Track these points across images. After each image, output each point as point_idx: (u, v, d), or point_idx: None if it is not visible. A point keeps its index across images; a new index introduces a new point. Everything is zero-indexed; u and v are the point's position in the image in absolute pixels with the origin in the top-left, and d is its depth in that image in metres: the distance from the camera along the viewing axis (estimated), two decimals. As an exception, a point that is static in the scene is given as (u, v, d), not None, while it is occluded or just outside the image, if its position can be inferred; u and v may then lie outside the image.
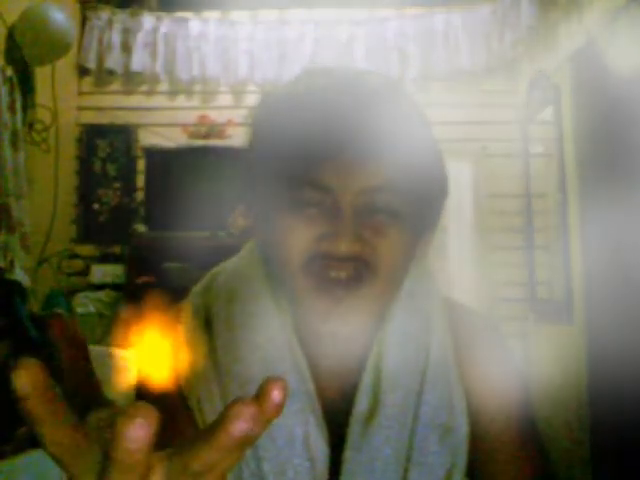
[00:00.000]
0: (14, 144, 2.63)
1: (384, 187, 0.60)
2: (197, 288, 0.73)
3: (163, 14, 3.48)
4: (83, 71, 3.49)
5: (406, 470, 0.64)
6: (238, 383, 0.65)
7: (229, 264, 0.74)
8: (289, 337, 0.66)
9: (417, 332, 0.69)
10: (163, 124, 3.45)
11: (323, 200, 0.60)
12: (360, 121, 0.59)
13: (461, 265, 3.33)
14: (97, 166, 3.45)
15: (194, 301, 0.71)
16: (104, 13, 3.45)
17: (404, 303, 0.69)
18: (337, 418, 0.66)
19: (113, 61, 3.43)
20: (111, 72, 3.47)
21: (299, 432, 0.63)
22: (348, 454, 0.64)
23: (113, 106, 3.49)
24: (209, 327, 0.68)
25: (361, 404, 0.66)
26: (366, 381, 0.66)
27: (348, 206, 0.59)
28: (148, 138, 3.41)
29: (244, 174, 0.67)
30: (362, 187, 0.59)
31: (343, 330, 0.61)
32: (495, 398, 0.69)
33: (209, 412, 0.65)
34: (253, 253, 0.72)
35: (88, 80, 3.53)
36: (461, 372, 0.69)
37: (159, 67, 3.45)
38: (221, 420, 0.29)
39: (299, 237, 0.60)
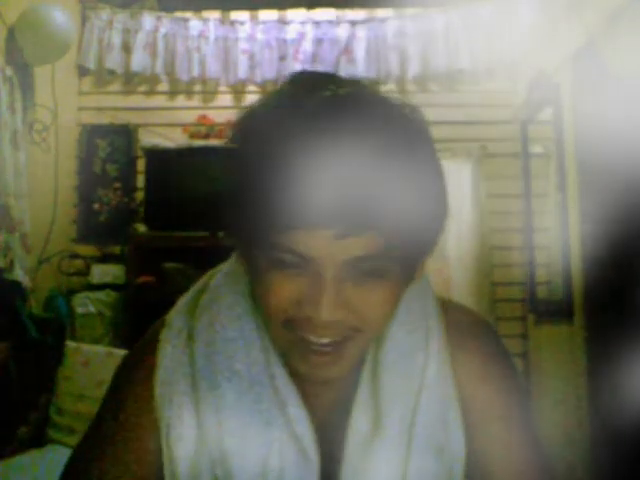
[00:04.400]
0: (14, 144, 2.63)
1: (374, 256, 0.54)
2: (180, 306, 0.71)
3: (163, 14, 3.48)
4: (83, 71, 3.49)
5: None
6: (214, 410, 0.63)
7: (214, 280, 0.71)
8: (270, 362, 0.64)
9: (413, 350, 0.66)
10: (163, 124, 3.45)
11: (303, 264, 0.54)
12: (349, 181, 0.50)
13: (461, 265, 3.33)
14: (97, 166, 3.45)
15: (176, 323, 0.69)
16: (104, 13, 3.44)
17: (400, 320, 0.67)
18: (329, 438, 0.65)
19: (113, 61, 3.43)
20: (111, 72, 3.47)
21: (274, 463, 0.62)
22: (345, 475, 0.63)
23: (113, 106, 3.48)
24: (190, 350, 0.67)
25: (359, 425, 0.64)
26: (361, 401, 0.65)
27: (330, 275, 0.53)
28: (148, 138, 3.40)
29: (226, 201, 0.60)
30: (347, 258, 0.53)
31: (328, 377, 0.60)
32: (492, 402, 0.68)
33: (176, 437, 0.64)
34: (237, 272, 0.69)
35: (88, 80, 3.52)
36: (457, 378, 0.68)
37: (159, 67, 3.45)
38: None
39: (278, 296, 0.56)
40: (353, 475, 0.63)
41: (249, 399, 0.63)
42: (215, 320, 0.67)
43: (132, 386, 0.68)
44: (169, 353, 0.67)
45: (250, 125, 0.57)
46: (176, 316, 0.70)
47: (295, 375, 0.65)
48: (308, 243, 0.52)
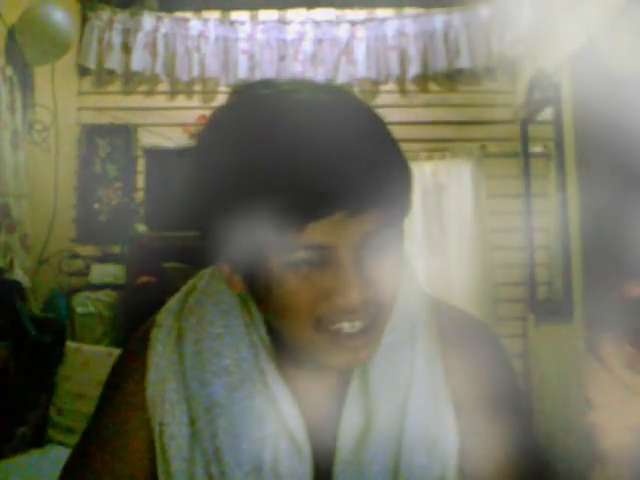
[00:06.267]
0: (14, 144, 2.63)
1: (380, 229, 0.56)
2: (170, 306, 0.72)
3: (163, 14, 3.48)
4: (83, 71, 3.49)
5: None
6: (204, 407, 0.64)
7: (202, 281, 0.72)
8: (259, 358, 0.65)
9: (401, 343, 0.67)
10: (163, 124, 3.44)
11: (320, 256, 0.55)
12: (342, 163, 0.53)
13: (461, 265, 3.33)
14: (97, 166, 3.45)
15: (166, 322, 0.70)
16: (104, 13, 3.44)
17: None
18: (321, 433, 0.65)
19: (113, 61, 3.43)
20: (111, 72, 3.47)
21: (267, 458, 0.63)
22: (338, 469, 0.64)
23: (113, 106, 3.48)
24: (180, 348, 0.67)
25: (351, 420, 0.65)
26: (352, 395, 0.66)
27: (349, 257, 0.55)
28: (148, 138, 3.41)
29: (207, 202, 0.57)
30: (360, 236, 0.55)
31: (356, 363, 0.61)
32: (486, 401, 0.67)
33: (169, 436, 0.65)
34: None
35: (88, 80, 3.52)
36: (450, 380, 0.67)
37: (159, 67, 3.45)
38: None
39: (305, 298, 0.56)
40: (346, 469, 0.63)
41: (240, 395, 0.64)
42: (202, 319, 0.68)
43: (125, 386, 0.69)
44: (160, 352, 0.68)
45: (223, 134, 0.57)
46: (166, 316, 0.71)
47: (285, 371, 0.65)
48: (323, 233, 0.54)
